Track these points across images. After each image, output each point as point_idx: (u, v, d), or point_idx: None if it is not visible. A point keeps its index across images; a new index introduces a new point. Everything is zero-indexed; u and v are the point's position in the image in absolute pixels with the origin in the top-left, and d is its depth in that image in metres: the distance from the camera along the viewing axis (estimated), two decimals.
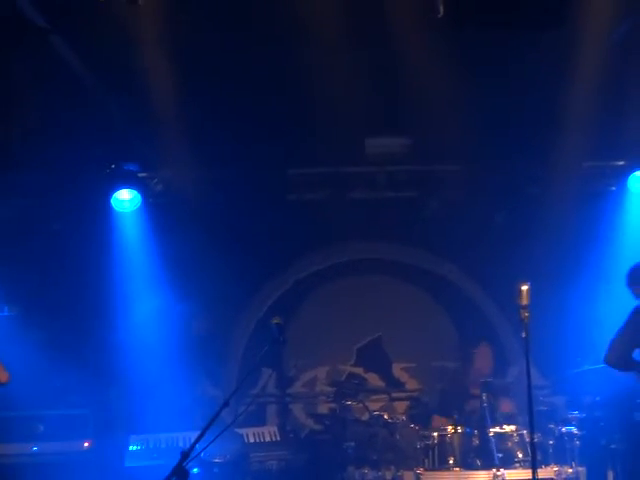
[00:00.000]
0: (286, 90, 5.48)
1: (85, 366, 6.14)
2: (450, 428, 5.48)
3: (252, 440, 5.87)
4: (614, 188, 6.69)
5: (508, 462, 5.26)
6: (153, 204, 6.59)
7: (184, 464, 3.52)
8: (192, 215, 6.55)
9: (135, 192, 6.44)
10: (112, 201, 6.41)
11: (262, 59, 5.07)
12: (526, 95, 5.37)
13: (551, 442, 5.39)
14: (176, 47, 4.83)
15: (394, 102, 5.65)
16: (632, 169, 6.47)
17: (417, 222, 6.93)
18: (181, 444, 5.36)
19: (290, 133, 6.09)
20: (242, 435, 5.80)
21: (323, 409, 6.81)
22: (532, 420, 4.35)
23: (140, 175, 6.54)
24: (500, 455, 5.27)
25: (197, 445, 3.95)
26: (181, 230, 6.57)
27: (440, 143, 6.11)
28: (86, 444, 5.82)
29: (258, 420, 6.71)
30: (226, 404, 3.87)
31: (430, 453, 5.43)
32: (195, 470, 5.19)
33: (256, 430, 5.96)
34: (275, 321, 4.45)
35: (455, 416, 5.67)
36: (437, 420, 5.83)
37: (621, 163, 6.58)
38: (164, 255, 6.48)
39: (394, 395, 6.66)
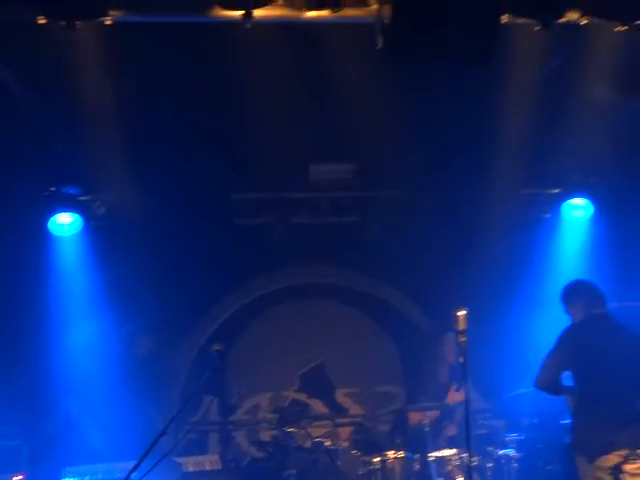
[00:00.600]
0: (230, 115, 5.50)
1: (18, 395, 5.92)
2: (391, 453, 5.52)
3: (192, 469, 5.75)
4: (549, 215, 6.90)
5: None
6: (95, 227, 6.48)
7: None
8: (136, 238, 6.46)
9: (76, 215, 6.33)
10: (50, 225, 6.27)
11: (205, 82, 5.09)
12: (463, 123, 5.52)
13: (490, 465, 5.49)
14: (118, 71, 4.80)
15: (336, 130, 5.74)
16: (566, 197, 6.70)
17: (360, 247, 7.00)
18: (119, 475, 5.20)
19: (235, 158, 6.11)
20: (181, 464, 5.68)
21: (266, 436, 6.73)
22: (470, 444, 4.41)
23: (81, 198, 6.43)
24: (440, 479, 5.33)
25: (133, 475, 3.88)
26: (124, 253, 6.47)
27: (382, 169, 6.23)
28: (19, 477, 5.61)
29: (199, 448, 6.58)
30: (163, 433, 3.80)
31: (372, 479, 5.45)
32: None
33: (196, 459, 5.84)
34: (215, 348, 4.41)
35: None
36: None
37: (555, 191, 6.81)
38: (106, 278, 6.35)
39: (337, 421, 6.66)
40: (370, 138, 5.77)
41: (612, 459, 4.47)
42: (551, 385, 4.73)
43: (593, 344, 4.67)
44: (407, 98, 5.22)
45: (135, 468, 3.72)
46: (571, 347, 4.70)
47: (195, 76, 5.00)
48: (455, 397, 5.71)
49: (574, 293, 4.94)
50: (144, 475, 3.97)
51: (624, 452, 4.47)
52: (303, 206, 6.84)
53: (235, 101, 5.26)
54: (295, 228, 6.82)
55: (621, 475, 4.47)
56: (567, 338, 4.73)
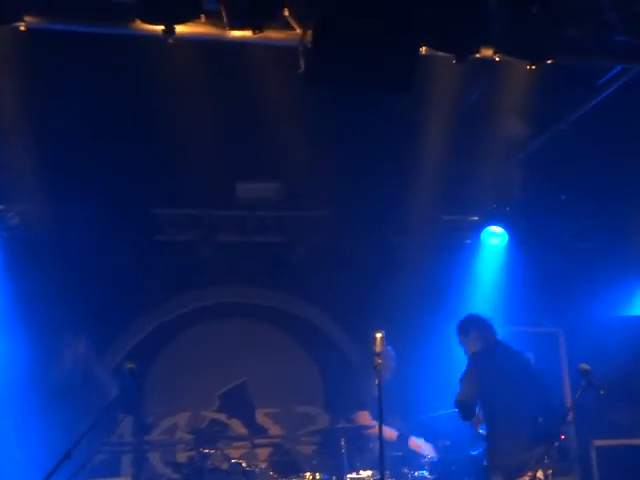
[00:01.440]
0: (153, 129, 5.44)
1: None
2: (308, 475, 5.50)
3: None
4: (469, 241, 7.13)
5: None
6: (7, 238, 6.24)
7: None
8: (51, 251, 6.23)
9: None
10: None
11: (126, 95, 5.01)
12: (387, 147, 5.65)
13: None
14: (33, 79, 4.67)
15: (264, 148, 5.75)
16: (485, 224, 6.94)
17: (284, 267, 7.00)
18: None
19: (159, 173, 6.01)
20: None
21: (181, 458, 6.57)
22: (382, 465, 4.47)
23: None
24: None
25: None
26: (38, 266, 6.22)
27: (308, 190, 6.28)
28: None
29: (112, 471, 6.38)
30: (67, 456, 3.68)
31: None
32: None
33: None
34: (129, 366, 4.32)
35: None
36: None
37: (475, 218, 7.05)
38: (19, 291, 6.10)
39: (256, 442, 6.59)
40: (297, 158, 5.81)
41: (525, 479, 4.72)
42: (469, 406, 4.94)
43: (494, 371, 5.03)
44: (332, 119, 5.31)
45: None
46: (477, 375, 4.98)
47: (116, 89, 4.91)
48: (364, 419, 5.77)
49: (469, 326, 5.33)
50: None
51: (533, 472, 4.69)
52: (228, 224, 6.80)
53: (158, 116, 5.20)
54: (219, 246, 6.77)
55: None
56: (474, 367, 4.97)
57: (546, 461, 4.75)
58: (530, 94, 4.85)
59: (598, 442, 6.19)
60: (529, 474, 4.74)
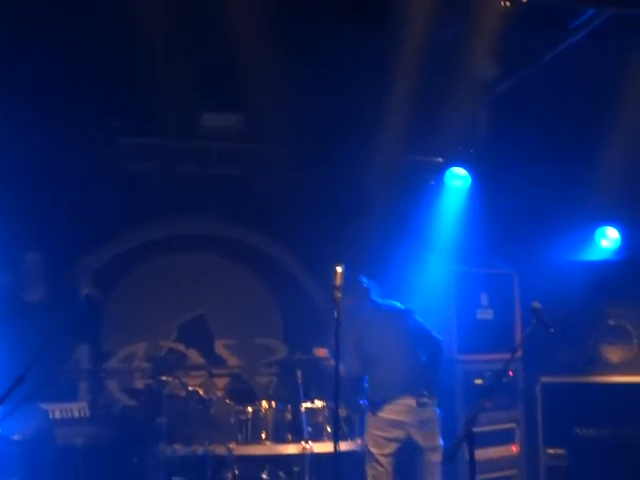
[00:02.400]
0: (114, 56, 5.25)
1: None
2: (264, 403, 5.64)
3: (58, 416, 5.62)
4: (433, 182, 7.17)
5: (317, 436, 5.53)
6: None
7: None
8: (8, 172, 6.03)
9: None
10: None
11: (88, 18, 4.80)
12: (352, 84, 5.57)
13: (358, 417, 5.73)
14: None
15: (227, 79, 5.62)
16: (449, 166, 6.98)
17: (246, 201, 6.93)
18: None
19: (118, 100, 5.83)
20: (47, 411, 5.52)
21: (139, 385, 6.66)
22: (337, 395, 4.60)
23: None
24: (310, 429, 5.52)
25: None
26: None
27: (273, 124, 6.18)
28: None
29: (69, 396, 6.40)
30: (21, 379, 3.68)
31: (244, 428, 5.56)
32: None
33: (64, 406, 5.71)
34: (85, 291, 4.30)
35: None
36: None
37: (439, 160, 7.07)
38: None
39: (214, 372, 6.68)
40: (262, 90, 5.70)
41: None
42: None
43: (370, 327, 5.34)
44: (301, 53, 5.20)
45: None
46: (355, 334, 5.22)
47: (78, 12, 4.69)
48: (322, 354, 5.90)
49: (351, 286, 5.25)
50: (1, 419, 3.85)
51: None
52: (190, 155, 6.68)
53: (121, 44, 5.01)
54: (179, 177, 6.65)
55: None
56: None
57: (424, 392, 5.15)
58: (502, 33, 4.81)
59: (544, 379, 6.47)
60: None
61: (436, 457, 5.27)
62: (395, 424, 5.18)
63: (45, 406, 5.51)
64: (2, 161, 5.94)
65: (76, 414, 5.70)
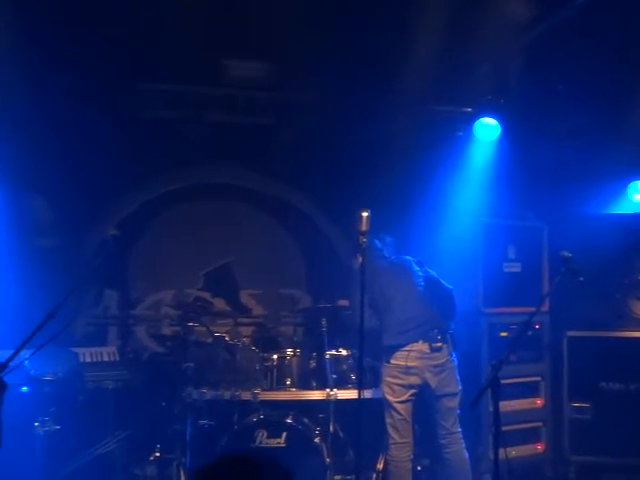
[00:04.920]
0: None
1: None
2: (289, 351, 5.69)
3: (89, 360, 5.74)
4: (461, 133, 7.02)
5: (342, 383, 5.57)
6: None
7: (0, 375, 3.39)
8: (34, 122, 6.04)
9: None
10: None
11: None
12: (381, 32, 5.42)
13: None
14: None
15: (258, 26, 5.50)
16: (478, 116, 6.82)
17: (273, 150, 6.88)
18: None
19: (145, 46, 5.74)
20: (78, 354, 5.65)
21: (166, 331, 6.76)
22: (362, 342, 4.62)
23: None
24: (335, 377, 5.56)
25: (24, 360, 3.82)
26: (24, 137, 6.06)
27: (300, 72, 6.08)
28: None
29: (98, 341, 6.55)
30: (51, 315, 3.74)
31: (269, 374, 5.62)
32: (24, 389, 5.01)
33: (94, 350, 5.83)
34: (112, 232, 4.32)
35: None
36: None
37: (469, 110, 6.91)
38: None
39: (239, 320, 6.75)
40: (290, 38, 5.58)
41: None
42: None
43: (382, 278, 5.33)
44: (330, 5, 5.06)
45: (19, 350, 3.66)
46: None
47: None
48: (344, 302, 5.90)
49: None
50: (31, 355, 3.94)
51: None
52: (216, 103, 6.60)
53: None
54: (206, 125, 6.60)
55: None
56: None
57: (438, 337, 5.16)
58: None
59: (571, 333, 6.42)
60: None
61: (453, 403, 5.27)
62: (409, 370, 5.18)
63: (76, 350, 5.63)
64: (30, 112, 5.96)
65: (106, 358, 5.81)
